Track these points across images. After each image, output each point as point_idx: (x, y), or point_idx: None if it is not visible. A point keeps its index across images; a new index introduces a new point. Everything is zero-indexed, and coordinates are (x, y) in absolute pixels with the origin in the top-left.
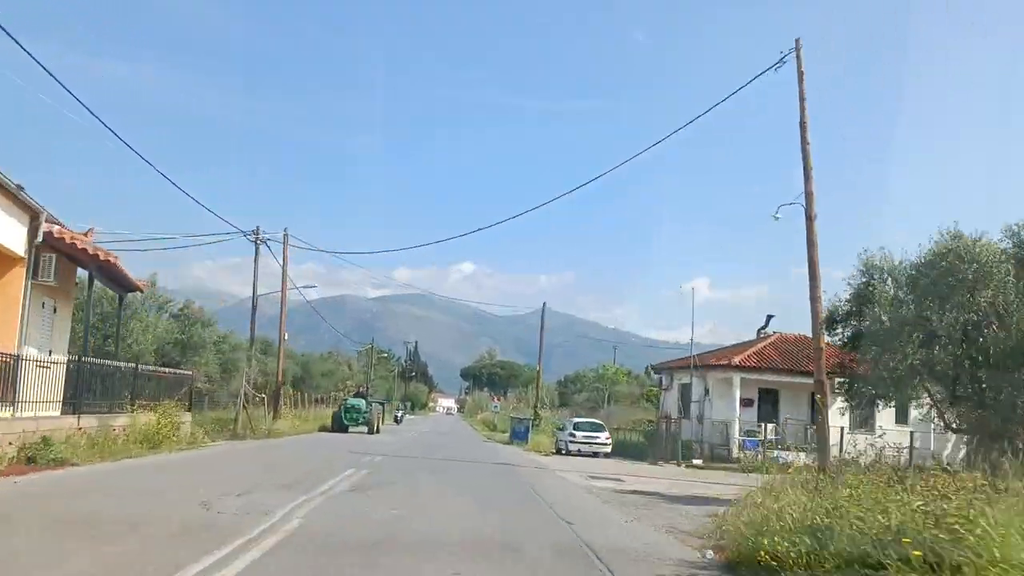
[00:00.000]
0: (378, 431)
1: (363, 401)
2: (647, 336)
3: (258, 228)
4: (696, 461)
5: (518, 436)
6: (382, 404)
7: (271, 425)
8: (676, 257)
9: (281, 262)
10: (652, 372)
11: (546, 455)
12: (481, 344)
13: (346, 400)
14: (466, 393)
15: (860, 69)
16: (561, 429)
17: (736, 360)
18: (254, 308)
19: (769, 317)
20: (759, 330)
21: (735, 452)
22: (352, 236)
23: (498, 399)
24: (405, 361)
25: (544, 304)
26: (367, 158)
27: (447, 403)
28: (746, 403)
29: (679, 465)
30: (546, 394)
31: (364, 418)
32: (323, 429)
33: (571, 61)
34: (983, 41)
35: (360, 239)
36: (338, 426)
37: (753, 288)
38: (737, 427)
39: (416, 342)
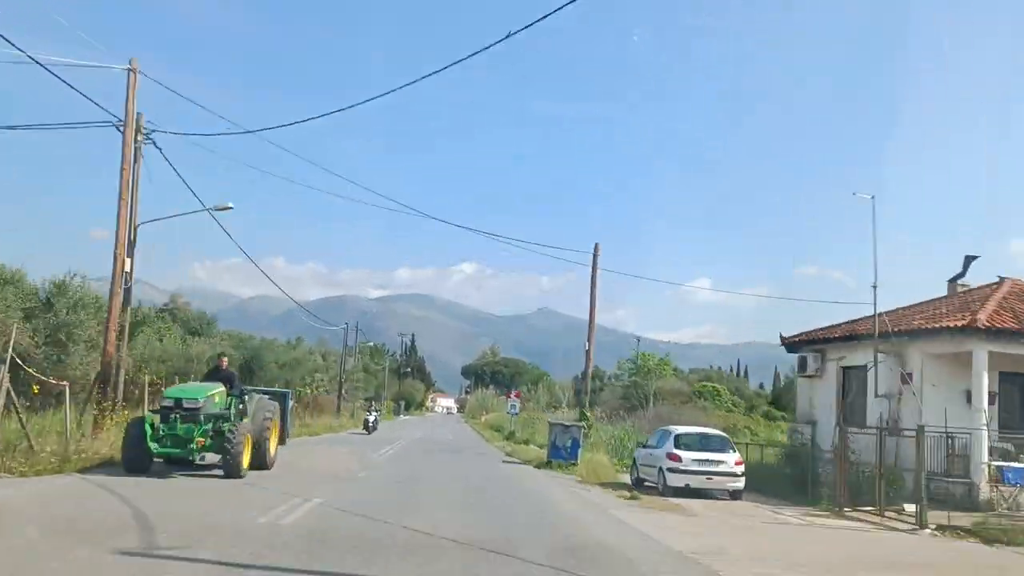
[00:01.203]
0: (266, 467)
1: (215, 389)
2: (647, 337)
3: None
4: (909, 508)
5: (561, 454)
6: (284, 398)
7: (79, 445)
8: (676, 258)
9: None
10: (786, 348)
11: (629, 497)
12: (482, 344)
13: (165, 393)
14: (467, 392)
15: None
16: (646, 446)
17: (982, 319)
18: (118, 241)
19: (970, 258)
20: (953, 280)
21: (983, 490)
22: (351, 234)
23: (517, 395)
24: (400, 356)
25: (596, 247)
26: (366, 158)
27: (447, 403)
28: (989, 398)
29: (927, 527)
30: (562, 391)
31: (220, 433)
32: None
33: (570, 62)
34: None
35: (359, 237)
36: (137, 453)
37: (751, 288)
38: (985, 443)
39: (413, 335)
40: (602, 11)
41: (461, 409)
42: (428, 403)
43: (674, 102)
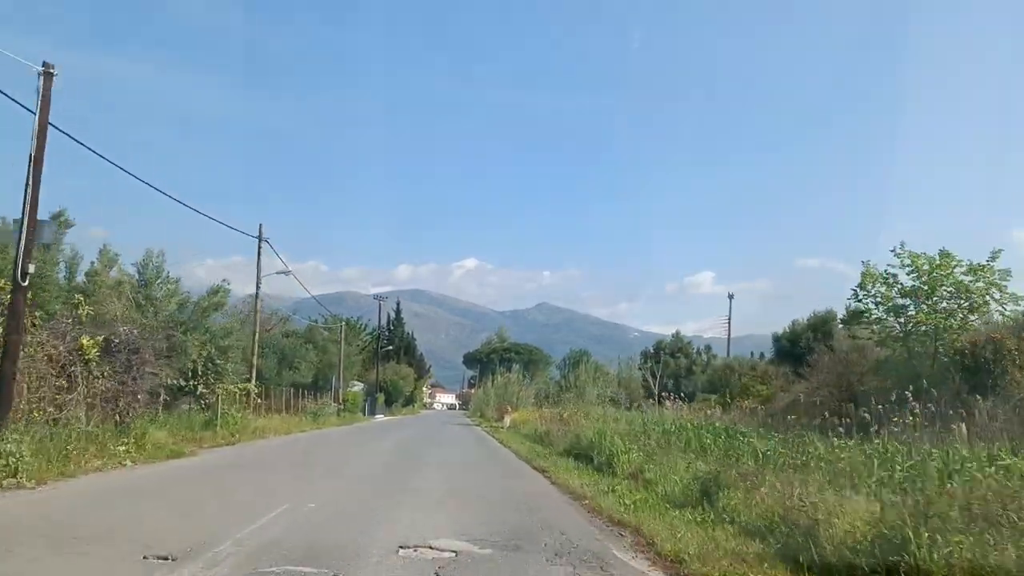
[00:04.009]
0: None
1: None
2: (647, 330)
3: None
4: None
5: None
6: None
7: None
8: (677, 254)
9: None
10: None
11: None
12: (482, 340)
13: None
14: (471, 385)
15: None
16: None
17: None
18: None
19: None
20: None
21: None
22: (351, 233)
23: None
24: (381, 329)
25: None
26: (367, 157)
27: (447, 399)
28: None
29: None
30: (609, 385)
31: None
32: None
33: (569, 61)
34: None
35: (360, 236)
36: None
37: (752, 282)
38: None
39: (398, 302)
40: (598, 11)
41: (464, 405)
42: (426, 398)
43: (672, 100)
